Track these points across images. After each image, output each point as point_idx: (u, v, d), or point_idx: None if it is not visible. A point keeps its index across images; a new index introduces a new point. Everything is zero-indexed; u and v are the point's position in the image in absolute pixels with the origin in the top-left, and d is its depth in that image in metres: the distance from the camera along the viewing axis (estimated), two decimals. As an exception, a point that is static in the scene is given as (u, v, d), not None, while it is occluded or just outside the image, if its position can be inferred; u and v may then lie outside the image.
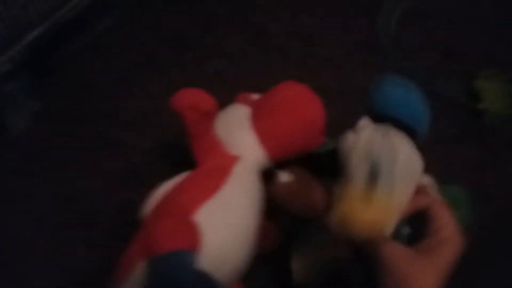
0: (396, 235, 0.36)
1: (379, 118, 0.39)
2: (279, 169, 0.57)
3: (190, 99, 0.50)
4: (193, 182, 0.49)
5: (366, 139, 0.35)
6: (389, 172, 0.32)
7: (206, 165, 0.51)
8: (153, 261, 0.39)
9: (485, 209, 0.64)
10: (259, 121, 0.55)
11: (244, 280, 0.49)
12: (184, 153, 0.54)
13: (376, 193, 0.32)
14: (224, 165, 0.50)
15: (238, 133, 0.55)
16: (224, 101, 0.61)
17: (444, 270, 0.34)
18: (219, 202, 0.45)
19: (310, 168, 0.59)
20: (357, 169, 0.34)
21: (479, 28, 0.94)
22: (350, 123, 0.78)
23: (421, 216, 0.36)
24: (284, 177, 0.56)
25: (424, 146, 0.39)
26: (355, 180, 0.34)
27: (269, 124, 0.54)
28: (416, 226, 0.37)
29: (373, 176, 0.32)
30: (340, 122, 0.78)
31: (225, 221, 0.45)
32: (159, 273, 0.38)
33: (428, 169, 0.65)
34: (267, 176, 0.57)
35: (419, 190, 0.37)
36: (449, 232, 0.36)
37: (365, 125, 0.38)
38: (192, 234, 0.41)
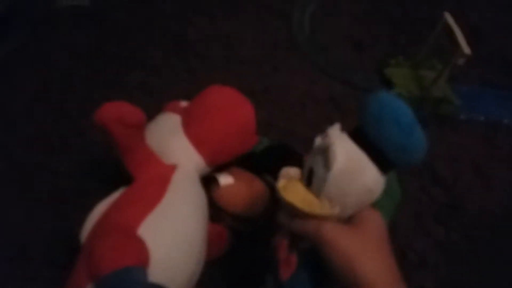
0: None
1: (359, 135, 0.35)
2: (218, 172, 0.57)
3: (116, 112, 0.46)
4: (132, 196, 0.46)
5: (319, 147, 0.36)
6: (319, 183, 0.34)
7: (143, 178, 0.49)
8: (100, 283, 0.36)
9: (409, 183, 0.70)
10: (191, 128, 0.54)
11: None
12: (113, 171, 0.51)
13: (311, 191, 0.36)
14: (162, 175, 0.49)
15: (172, 141, 0.53)
16: (151, 113, 0.59)
17: (377, 241, 0.35)
18: (162, 213, 0.44)
19: (248, 167, 0.60)
20: (304, 169, 0.37)
21: (384, 21, 1.02)
22: (278, 120, 0.81)
23: None
24: (223, 180, 0.56)
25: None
26: (302, 174, 0.37)
27: (202, 130, 0.54)
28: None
29: (310, 178, 0.36)
30: (269, 120, 0.80)
31: (170, 232, 0.43)
32: None
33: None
34: (208, 181, 0.56)
35: None
36: (364, 211, 0.37)
37: (331, 133, 0.36)
38: (137, 249, 0.39)
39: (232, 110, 0.55)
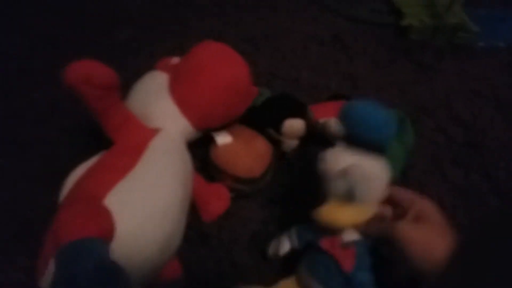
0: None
1: (352, 139, 0.42)
2: (217, 130, 0.53)
3: (84, 72, 0.40)
4: (105, 163, 0.43)
5: (344, 165, 0.41)
6: (362, 195, 0.40)
7: (121, 143, 0.45)
8: (59, 252, 0.33)
9: (424, 123, 0.65)
10: (178, 88, 0.49)
11: (182, 256, 0.46)
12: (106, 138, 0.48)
13: (351, 205, 0.41)
14: (140, 140, 0.45)
15: (156, 103, 0.49)
16: (142, 71, 0.54)
17: (438, 224, 0.39)
18: (132, 182, 0.40)
19: (249, 123, 0.56)
20: (337, 189, 0.41)
21: None
22: (280, 68, 0.75)
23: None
24: (221, 139, 0.52)
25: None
26: (334, 195, 0.42)
27: (189, 91, 0.48)
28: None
29: (350, 195, 0.40)
30: (270, 69, 0.75)
31: (140, 203, 0.39)
32: (64, 265, 0.32)
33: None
34: (206, 139, 0.53)
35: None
36: (420, 202, 0.41)
37: (341, 151, 0.42)
38: (100, 220, 0.35)
39: (223, 68, 0.49)
